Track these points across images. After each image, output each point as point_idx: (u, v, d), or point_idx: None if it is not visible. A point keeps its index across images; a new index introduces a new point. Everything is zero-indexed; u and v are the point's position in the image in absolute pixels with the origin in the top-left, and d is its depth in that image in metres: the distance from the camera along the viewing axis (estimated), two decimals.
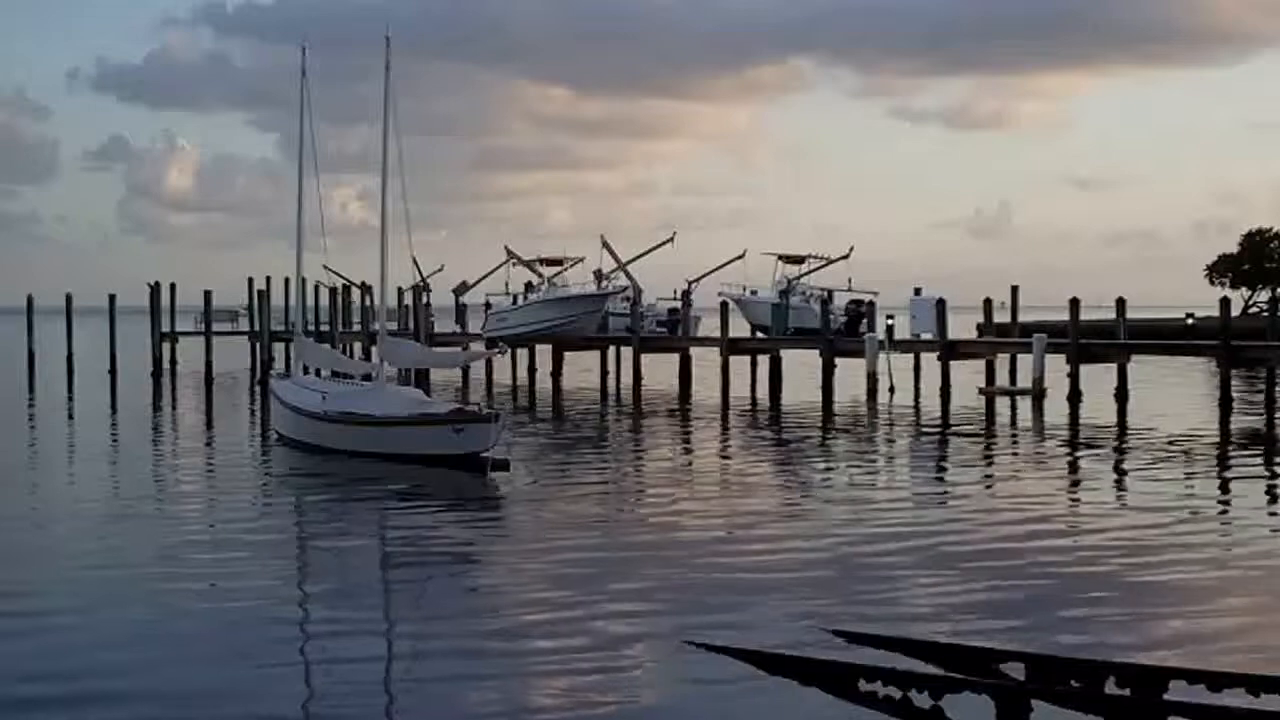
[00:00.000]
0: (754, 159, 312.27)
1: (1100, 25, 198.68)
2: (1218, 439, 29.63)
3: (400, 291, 56.31)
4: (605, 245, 55.05)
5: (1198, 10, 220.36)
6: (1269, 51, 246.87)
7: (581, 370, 50.24)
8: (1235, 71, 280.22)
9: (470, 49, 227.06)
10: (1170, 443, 28.25)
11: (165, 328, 55.18)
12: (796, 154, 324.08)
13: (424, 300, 56.14)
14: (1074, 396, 36.57)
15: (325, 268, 49.96)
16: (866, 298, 50.77)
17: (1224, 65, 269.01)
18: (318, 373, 34.55)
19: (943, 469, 25.18)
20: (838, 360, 42.29)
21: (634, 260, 55.50)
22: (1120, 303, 40.72)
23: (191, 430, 33.82)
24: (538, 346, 50.87)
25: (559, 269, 56.05)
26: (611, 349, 49.77)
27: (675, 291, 53.07)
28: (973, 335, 48.44)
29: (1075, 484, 23.08)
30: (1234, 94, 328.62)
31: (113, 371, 51.44)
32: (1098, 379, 38.20)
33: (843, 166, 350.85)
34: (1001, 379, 43.04)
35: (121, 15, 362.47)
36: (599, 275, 54.16)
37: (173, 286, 56.27)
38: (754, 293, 55.42)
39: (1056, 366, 38.48)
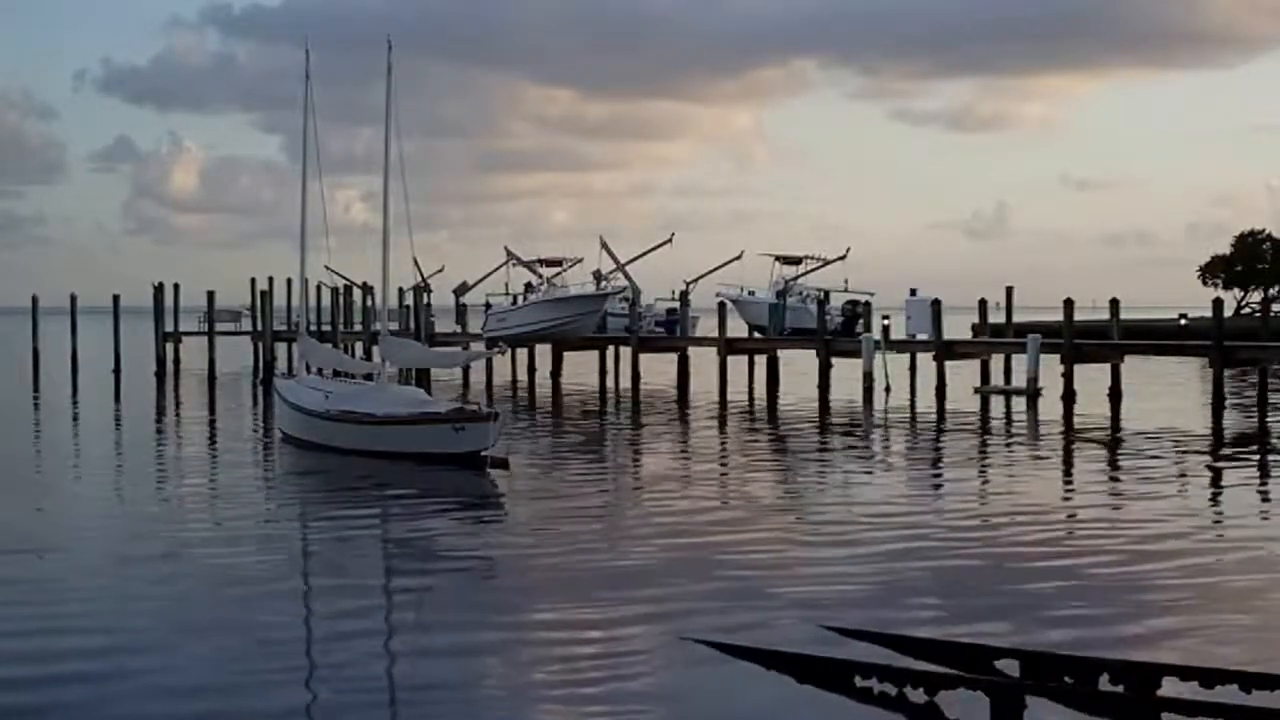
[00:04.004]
0: (755, 161, 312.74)
1: (1101, 28, 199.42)
2: (1210, 438, 29.88)
3: (401, 292, 56.49)
4: (604, 246, 55.23)
5: (1198, 13, 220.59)
6: (1268, 55, 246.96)
7: (581, 370, 50.42)
8: (1235, 74, 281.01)
9: (474, 51, 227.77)
10: (1163, 442, 28.48)
11: (169, 327, 55.34)
12: (797, 156, 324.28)
13: (425, 301, 56.32)
14: (1068, 396, 36.82)
15: (327, 268, 50.22)
16: (863, 298, 51.03)
17: (1224, 68, 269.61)
18: (320, 372, 34.72)
19: (938, 468, 25.40)
20: (834, 360, 42.56)
21: (632, 261, 55.67)
22: (1114, 303, 40.93)
23: (196, 429, 33.99)
24: (537, 346, 51.03)
25: (558, 270, 56.17)
26: (610, 349, 49.92)
27: (673, 292, 53.25)
28: (968, 336, 48.70)
29: (1069, 482, 23.32)
30: (1233, 96, 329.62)
31: (117, 371, 51.60)
32: (1092, 379, 38.45)
33: (843, 168, 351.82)
34: (996, 379, 43.31)
35: (128, 17, 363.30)
36: (598, 276, 54.32)
37: (176, 286, 56.51)
38: (751, 293, 55.61)
39: (1051, 367, 38.71)
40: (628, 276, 54.59)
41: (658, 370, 48.27)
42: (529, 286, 56.21)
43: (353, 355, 47.82)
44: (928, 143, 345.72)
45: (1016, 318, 48.97)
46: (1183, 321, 55.95)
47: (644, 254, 56.58)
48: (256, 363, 54.91)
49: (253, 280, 58.19)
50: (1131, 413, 34.67)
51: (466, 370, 48.60)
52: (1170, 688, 7.98)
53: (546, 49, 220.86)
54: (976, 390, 41.10)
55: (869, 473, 24.83)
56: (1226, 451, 27.56)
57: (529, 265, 56.55)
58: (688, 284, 54.01)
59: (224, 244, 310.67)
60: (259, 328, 56.31)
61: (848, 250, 56.17)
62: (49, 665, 10.95)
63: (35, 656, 11.30)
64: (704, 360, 45.92)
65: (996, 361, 43.87)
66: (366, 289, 56.80)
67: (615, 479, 24.27)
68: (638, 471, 25.59)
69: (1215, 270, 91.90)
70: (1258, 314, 51.53)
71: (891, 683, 8.14)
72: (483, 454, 23.60)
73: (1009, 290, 48.69)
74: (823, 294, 50.30)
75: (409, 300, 56.80)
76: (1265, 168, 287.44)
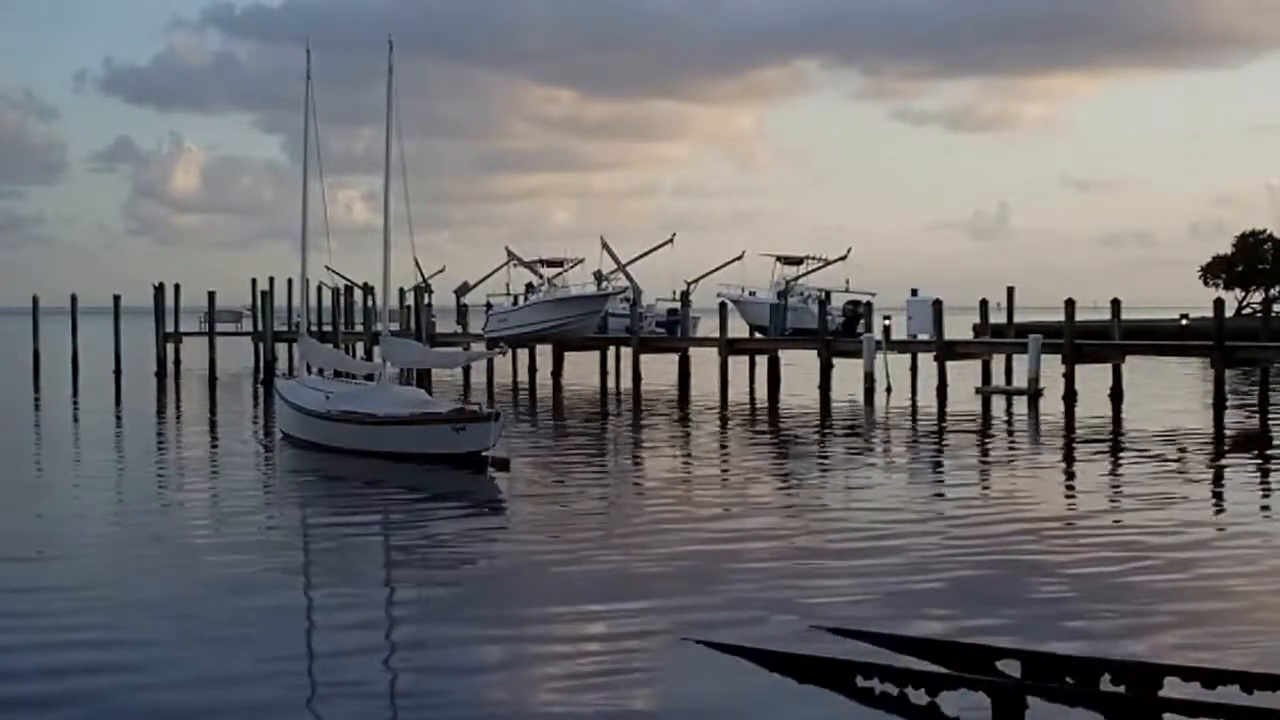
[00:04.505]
0: (756, 161, 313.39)
1: (1102, 28, 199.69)
2: (1212, 438, 29.87)
3: (402, 292, 56.53)
4: (605, 246, 55.33)
5: (1199, 13, 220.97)
6: (1269, 55, 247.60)
7: (582, 371, 50.42)
8: (1235, 74, 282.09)
9: (475, 51, 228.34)
10: (1165, 442, 28.47)
11: (169, 328, 55.37)
12: (799, 156, 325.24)
13: (425, 301, 56.36)
14: (1069, 396, 36.82)
15: (328, 268, 50.34)
16: (864, 298, 51.04)
17: (1224, 68, 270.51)
18: (320, 373, 34.74)
19: (939, 468, 25.38)
20: (835, 360, 42.58)
21: (633, 261, 55.75)
22: (1115, 303, 40.94)
23: (196, 430, 33.97)
24: (538, 347, 51.07)
25: (559, 270, 56.23)
26: (611, 349, 49.95)
27: (674, 292, 53.27)
28: (969, 336, 48.71)
29: (1070, 483, 23.29)
30: (1233, 97, 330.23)
31: (117, 371, 51.61)
32: (1093, 379, 38.45)
33: (844, 169, 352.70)
34: (997, 379, 43.31)
35: (129, 17, 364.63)
36: (599, 276, 54.37)
37: (177, 287, 56.54)
38: (752, 294, 55.65)
39: (1052, 367, 38.72)
40: (629, 277, 54.62)
41: (659, 371, 48.28)
42: (530, 287, 56.26)
43: (353, 356, 47.83)
44: (929, 143, 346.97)
45: (1017, 318, 49.01)
46: (1184, 322, 56.00)
47: (645, 254, 56.71)
48: (257, 363, 54.95)
49: (253, 280, 58.39)
50: (1133, 413, 34.66)
51: (467, 371, 48.61)
52: (1172, 688, 7.96)
53: (547, 49, 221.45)
54: (978, 390, 41.09)
55: (870, 474, 24.79)
56: (1228, 452, 27.54)
57: (530, 265, 56.59)
58: (689, 284, 54.06)
59: (225, 244, 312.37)
60: (259, 328, 56.35)
61: (849, 250, 56.30)
62: (46, 676, 10.82)
63: (32, 666, 11.14)
64: (705, 361, 45.93)
65: (998, 362, 43.87)
66: (367, 289, 56.84)
67: (616, 480, 24.25)
68: (639, 473, 25.57)
69: (1216, 270, 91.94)
70: (1259, 314, 51.49)
71: (893, 683, 8.12)
72: (483, 454, 23.62)
73: (1010, 290, 48.75)
74: (824, 294, 50.31)
75: (410, 300, 56.85)
76: (1266, 168, 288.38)
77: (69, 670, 10.98)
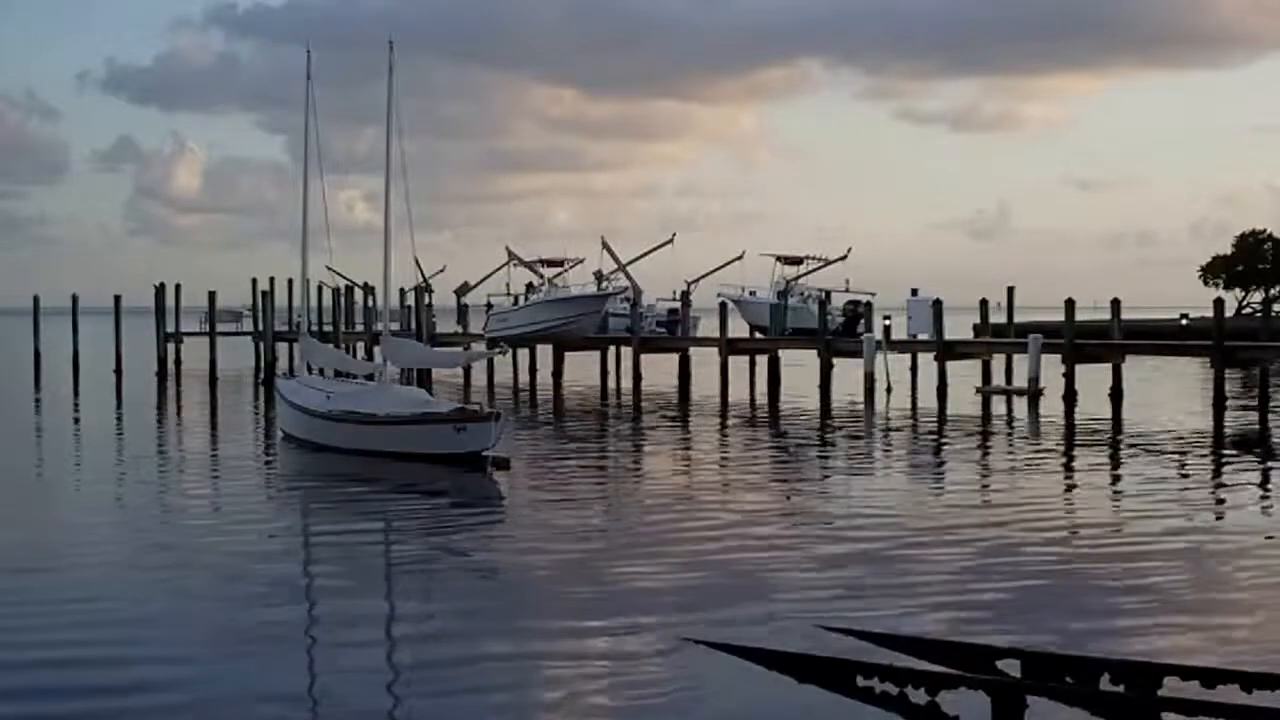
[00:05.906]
0: (759, 160, 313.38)
1: (1104, 28, 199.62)
2: (1211, 438, 29.88)
3: (402, 292, 56.51)
4: (605, 246, 55.34)
5: (1200, 13, 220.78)
6: (1270, 54, 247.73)
7: (582, 370, 50.44)
8: (1237, 74, 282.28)
9: (477, 51, 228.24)
10: (1164, 442, 28.49)
11: (170, 328, 55.38)
12: (801, 155, 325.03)
13: (426, 301, 56.38)
14: (1069, 396, 36.85)
15: (329, 268, 50.35)
16: (864, 298, 51.05)
17: (1226, 68, 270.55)
18: (321, 372, 34.75)
19: (939, 468, 25.40)
20: (835, 360, 42.59)
21: (634, 261, 55.77)
22: (1115, 303, 40.92)
23: (197, 430, 34.01)
24: (538, 347, 51.12)
25: (560, 270, 56.26)
26: (612, 349, 49.96)
27: (674, 292, 53.31)
28: (969, 336, 48.73)
29: (1070, 483, 23.32)
30: (1235, 96, 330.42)
31: (118, 371, 51.61)
32: (1093, 379, 38.46)
33: (846, 168, 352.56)
34: (998, 379, 43.32)
35: (132, 17, 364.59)
36: (599, 276, 54.39)
37: (178, 287, 56.49)
38: (753, 293, 55.66)
39: (1052, 366, 38.74)
40: (629, 277, 54.64)
41: (659, 370, 48.29)
42: (530, 287, 56.30)
43: (354, 356, 47.85)
44: (931, 143, 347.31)
45: (1018, 318, 49.01)
46: (1184, 321, 55.96)
47: (645, 254, 56.75)
48: (257, 363, 54.97)
49: (254, 280, 58.38)
50: (1133, 413, 34.67)
51: (468, 370, 48.64)
52: (1171, 688, 7.96)
53: (550, 49, 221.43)
54: (978, 390, 41.12)
55: (870, 473, 24.83)
56: (1228, 452, 27.54)
57: (530, 265, 56.63)
58: (689, 284, 54.09)
59: (226, 244, 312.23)
60: (260, 328, 56.36)
61: (849, 250, 56.39)
62: (40, 688, 10.70)
63: (25, 679, 10.97)
64: (705, 360, 45.95)
65: (998, 361, 43.90)
66: (367, 289, 56.88)
67: (616, 480, 24.27)
68: (639, 473, 25.59)
69: (1216, 270, 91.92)
70: (1259, 314, 51.52)
71: (893, 682, 8.11)
72: (484, 454, 23.63)
73: (1010, 290, 48.76)
74: (824, 294, 50.32)
75: (410, 300, 56.87)
76: (1266, 168, 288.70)
77: (67, 677, 10.96)
